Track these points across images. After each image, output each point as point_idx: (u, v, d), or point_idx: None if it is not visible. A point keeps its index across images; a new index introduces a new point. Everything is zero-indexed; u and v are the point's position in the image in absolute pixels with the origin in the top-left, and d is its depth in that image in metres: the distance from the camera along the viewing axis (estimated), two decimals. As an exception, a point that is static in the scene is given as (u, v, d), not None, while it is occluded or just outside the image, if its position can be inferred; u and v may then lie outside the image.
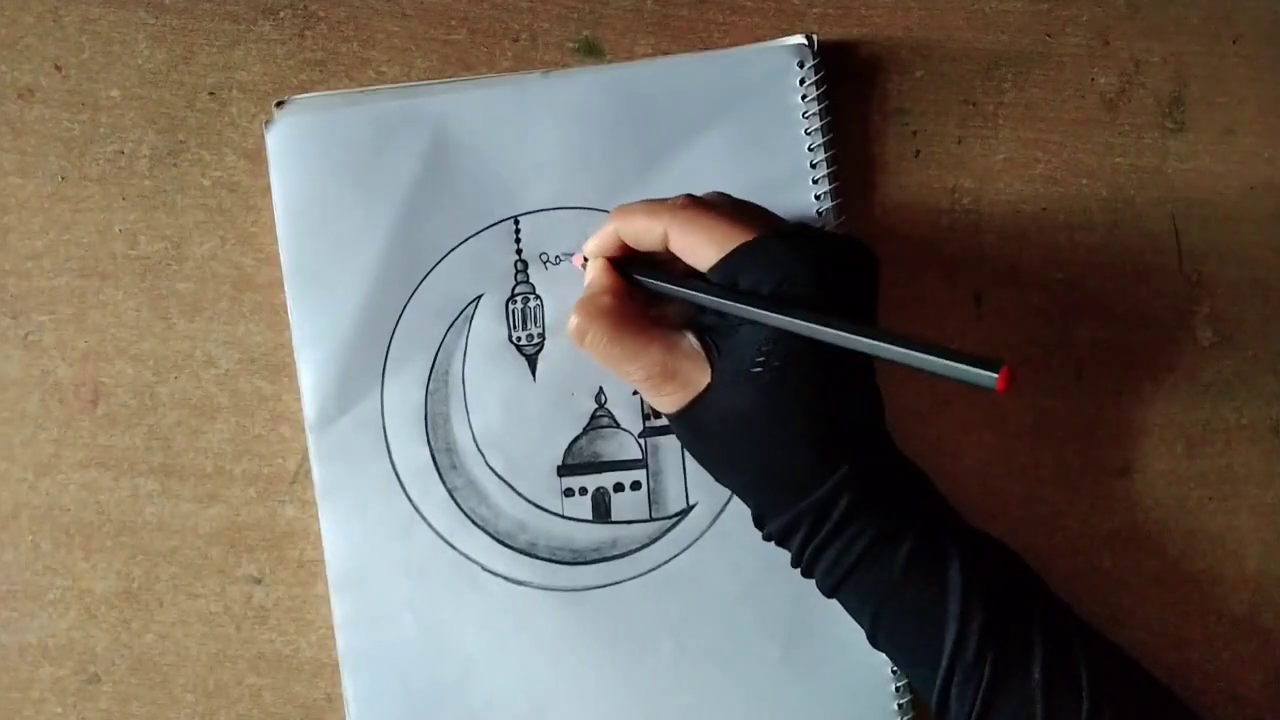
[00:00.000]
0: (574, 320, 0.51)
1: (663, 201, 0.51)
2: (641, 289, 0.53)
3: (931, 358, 0.43)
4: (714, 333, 0.49)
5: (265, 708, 0.59)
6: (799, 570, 0.50)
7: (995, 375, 0.41)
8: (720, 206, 0.50)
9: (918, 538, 0.47)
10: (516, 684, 0.58)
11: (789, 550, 0.49)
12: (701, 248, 0.49)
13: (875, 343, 0.44)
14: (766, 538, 0.50)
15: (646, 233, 0.50)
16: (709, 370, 0.49)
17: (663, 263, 0.52)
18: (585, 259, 0.54)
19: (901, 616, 0.48)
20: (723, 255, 0.48)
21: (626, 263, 0.53)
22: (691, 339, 0.50)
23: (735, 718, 0.58)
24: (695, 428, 0.50)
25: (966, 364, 0.42)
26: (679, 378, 0.49)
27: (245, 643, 0.59)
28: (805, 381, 0.47)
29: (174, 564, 0.59)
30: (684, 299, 0.50)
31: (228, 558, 0.59)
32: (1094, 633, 0.50)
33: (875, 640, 0.50)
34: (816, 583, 0.49)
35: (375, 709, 0.58)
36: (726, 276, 0.48)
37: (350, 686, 0.58)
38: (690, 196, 0.51)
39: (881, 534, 0.47)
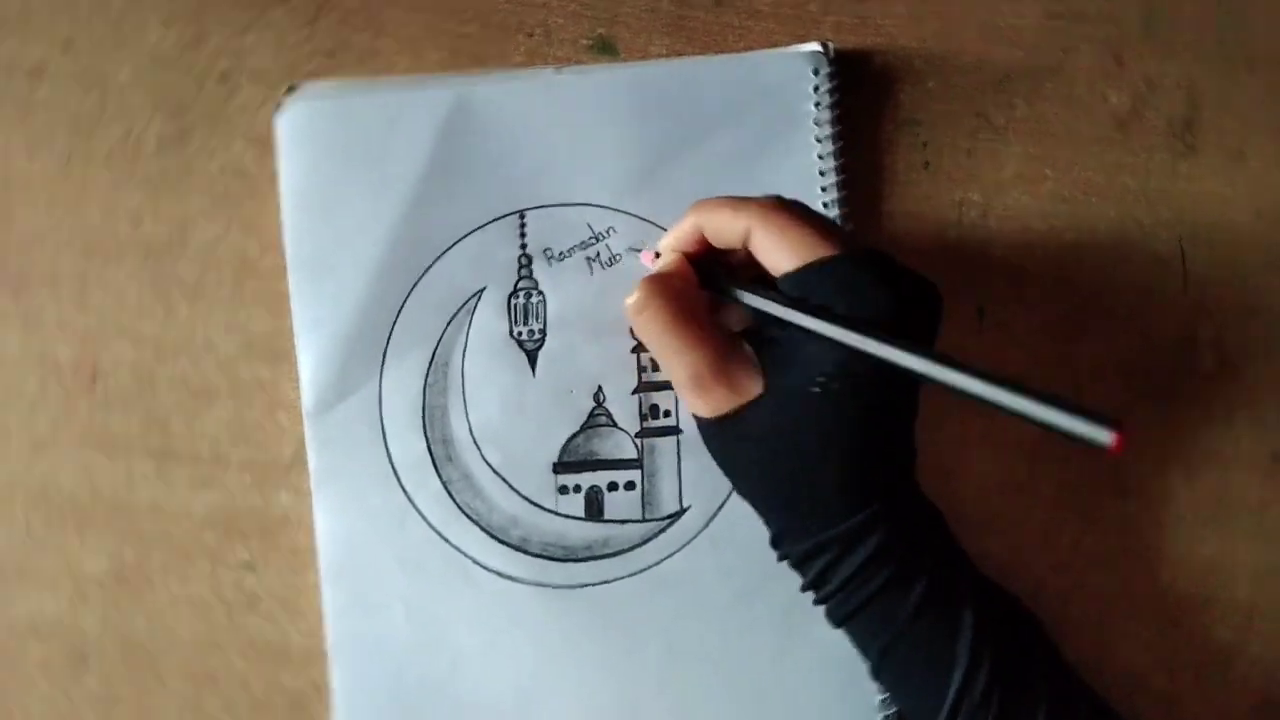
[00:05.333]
0: (637, 294, 0.50)
1: (748, 199, 0.50)
2: (712, 290, 0.52)
3: (1041, 406, 0.41)
4: (774, 345, 0.49)
5: (252, 695, 0.59)
6: (810, 595, 0.49)
7: (1111, 434, 0.40)
8: (806, 215, 0.49)
9: (933, 578, 0.47)
10: (505, 679, 0.58)
11: (803, 575, 0.49)
12: (781, 253, 0.48)
13: (982, 384, 0.43)
14: (782, 558, 0.50)
15: (729, 227, 0.50)
16: (762, 381, 0.48)
17: (733, 267, 0.52)
18: (656, 254, 0.54)
19: (910, 653, 0.48)
20: (800, 265, 0.47)
21: (699, 263, 0.52)
22: (748, 347, 0.49)
23: (721, 721, 0.58)
24: (734, 436, 0.49)
25: (1080, 418, 0.41)
26: (729, 381, 0.48)
27: (235, 629, 0.59)
28: (862, 411, 0.47)
29: (166, 548, 0.59)
30: (759, 307, 0.49)
31: (220, 543, 0.59)
32: (1097, 695, 0.50)
33: (878, 674, 0.49)
34: (827, 611, 0.49)
35: (362, 700, 0.58)
36: (798, 288, 0.47)
37: (338, 676, 0.58)
38: (778, 198, 0.50)
39: (899, 571, 0.47)
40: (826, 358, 0.46)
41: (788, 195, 0.51)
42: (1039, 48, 0.60)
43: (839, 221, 0.58)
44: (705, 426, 0.50)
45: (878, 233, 0.60)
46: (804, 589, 0.49)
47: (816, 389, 0.46)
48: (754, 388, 0.48)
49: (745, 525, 0.51)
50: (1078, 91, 0.60)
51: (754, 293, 0.49)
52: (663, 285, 0.50)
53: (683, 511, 0.58)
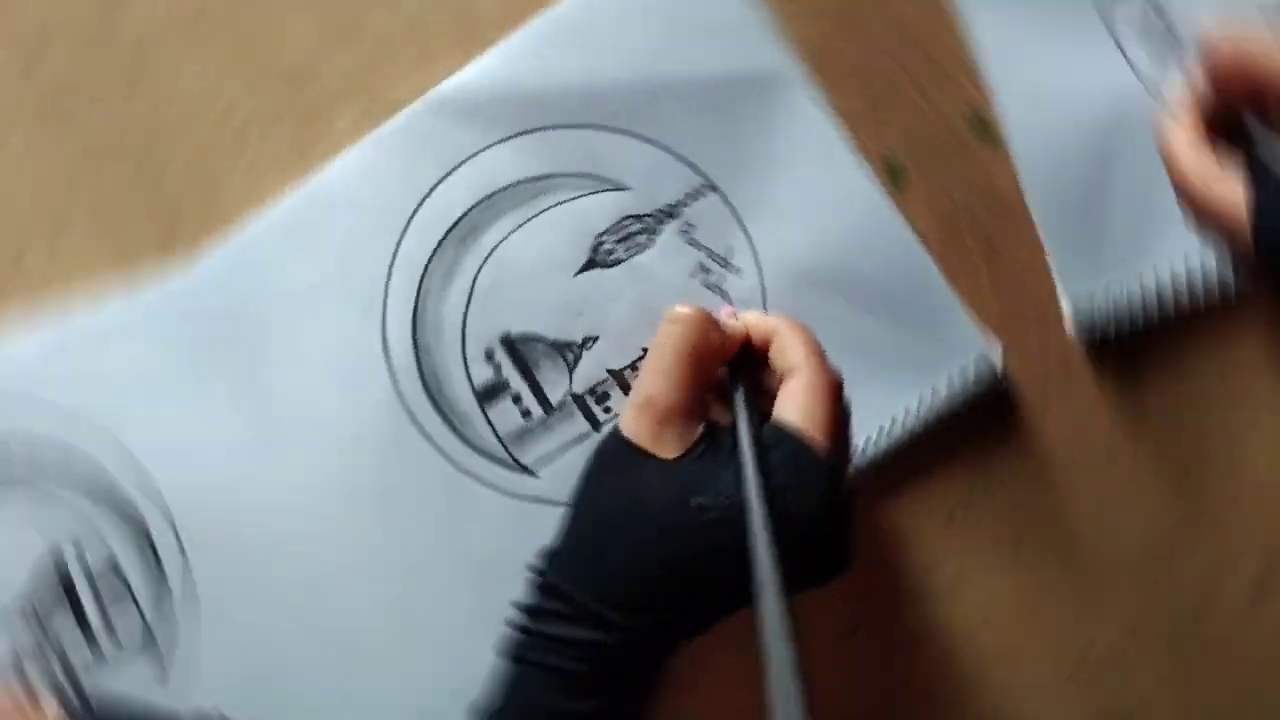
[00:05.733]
0: (683, 310, 0.51)
1: (823, 356, 0.51)
2: (731, 375, 0.53)
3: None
4: (715, 446, 0.49)
5: (162, 182, 0.58)
6: (515, 610, 0.50)
7: None
8: (837, 408, 0.50)
9: (591, 712, 0.48)
10: (300, 451, 0.58)
11: (532, 597, 0.50)
12: (793, 405, 0.49)
13: (776, 624, 0.44)
14: (536, 570, 0.50)
15: (787, 352, 0.51)
16: (677, 453, 0.49)
17: (760, 384, 0.53)
18: (735, 315, 0.55)
19: None
20: (796, 430, 0.48)
21: (746, 355, 0.53)
22: (701, 427, 0.50)
23: (369, 637, 0.59)
24: (618, 461, 0.50)
25: None
26: (660, 429, 0.49)
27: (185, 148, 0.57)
28: (705, 553, 0.47)
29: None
30: (734, 412, 0.51)
31: (254, 104, 0.57)
32: None
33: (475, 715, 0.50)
34: (507, 638, 0.50)
35: (204, 296, 0.58)
36: (773, 438, 0.48)
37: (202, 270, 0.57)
38: (840, 380, 0.51)
39: (583, 677, 0.48)
40: (726, 492, 0.47)
41: (854, 413, 0.52)
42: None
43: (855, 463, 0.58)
44: (612, 434, 0.51)
45: (866, 509, 0.60)
46: (518, 605, 0.50)
47: (694, 501, 0.47)
48: (669, 453, 0.49)
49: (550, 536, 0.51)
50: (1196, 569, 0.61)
51: (741, 401, 0.51)
52: (706, 328, 0.51)
53: (529, 472, 0.58)
